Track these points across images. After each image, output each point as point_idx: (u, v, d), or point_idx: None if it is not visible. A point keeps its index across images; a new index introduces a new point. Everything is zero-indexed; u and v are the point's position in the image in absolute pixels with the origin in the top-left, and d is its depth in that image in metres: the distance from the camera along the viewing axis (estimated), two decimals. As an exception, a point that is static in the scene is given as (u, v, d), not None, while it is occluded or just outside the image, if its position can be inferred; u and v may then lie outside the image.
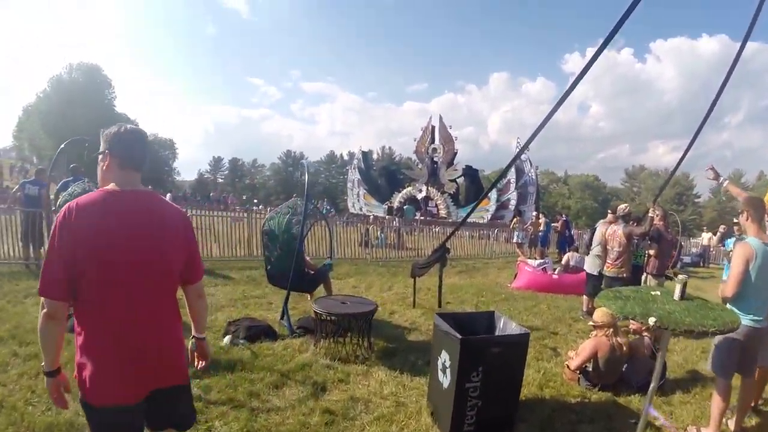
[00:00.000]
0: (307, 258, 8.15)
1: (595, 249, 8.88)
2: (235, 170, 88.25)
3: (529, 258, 16.94)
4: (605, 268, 8.30)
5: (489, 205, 39.75)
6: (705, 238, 22.79)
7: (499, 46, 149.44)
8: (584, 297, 9.24)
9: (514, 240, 16.71)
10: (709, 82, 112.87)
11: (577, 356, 5.49)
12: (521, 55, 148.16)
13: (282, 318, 6.93)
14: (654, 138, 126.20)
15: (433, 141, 43.07)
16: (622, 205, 8.55)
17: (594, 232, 9.22)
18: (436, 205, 41.00)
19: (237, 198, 61.08)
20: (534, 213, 17.70)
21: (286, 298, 6.96)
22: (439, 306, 8.70)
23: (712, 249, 22.43)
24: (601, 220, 9.32)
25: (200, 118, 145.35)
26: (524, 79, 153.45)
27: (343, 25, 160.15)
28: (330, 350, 5.79)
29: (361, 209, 43.53)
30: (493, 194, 39.87)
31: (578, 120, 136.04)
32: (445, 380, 4.04)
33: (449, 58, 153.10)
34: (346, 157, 79.38)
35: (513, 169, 39.73)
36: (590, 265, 9.03)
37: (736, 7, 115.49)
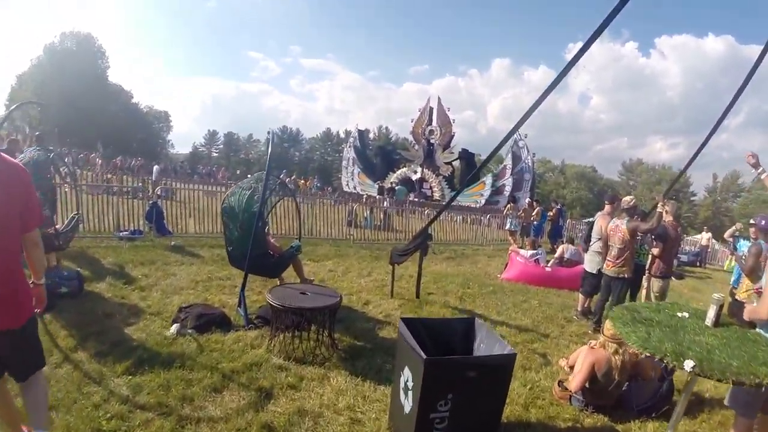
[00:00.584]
0: (272, 239, 7.27)
1: (595, 244, 8.06)
2: (230, 144, 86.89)
3: (521, 247, 16.21)
4: (605, 266, 7.48)
5: (484, 190, 39.06)
6: (704, 237, 22.07)
7: (503, 33, 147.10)
8: (580, 295, 8.45)
9: (507, 227, 15.89)
10: (713, 82, 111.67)
11: (575, 375, 4.68)
12: (525, 42, 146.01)
13: (239, 306, 6.11)
14: (653, 133, 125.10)
15: (430, 122, 42.23)
16: (628, 198, 7.68)
17: (592, 226, 8.33)
18: (431, 187, 40.19)
19: (230, 172, 59.94)
20: (528, 200, 16.84)
21: (243, 284, 6.16)
22: (417, 297, 7.90)
23: (709, 249, 21.79)
24: (599, 213, 8.47)
25: (198, 91, 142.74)
26: (526, 67, 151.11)
27: (345, 2, 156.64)
28: (286, 347, 4.97)
29: (355, 188, 42.66)
30: (489, 179, 39.54)
31: (579, 111, 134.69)
32: (407, 404, 3.21)
33: (452, 41, 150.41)
34: (342, 136, 78.08)
35: (510, 155, 39.49)
36: (588, 261, 8.22)
37: (743, 8, 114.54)
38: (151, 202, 11.60)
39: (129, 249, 9.72)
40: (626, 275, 7.28)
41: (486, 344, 3.66)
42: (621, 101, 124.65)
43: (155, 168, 27.04)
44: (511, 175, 39.23)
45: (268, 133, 7.00)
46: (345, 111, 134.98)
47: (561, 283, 10.66)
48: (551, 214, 17.36)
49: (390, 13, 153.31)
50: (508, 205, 16.30)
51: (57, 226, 7.28)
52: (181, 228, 12.01)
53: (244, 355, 4.90)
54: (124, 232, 10.86)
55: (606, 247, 7.49)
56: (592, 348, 4.90)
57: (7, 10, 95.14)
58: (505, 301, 8.62)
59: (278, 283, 7.22)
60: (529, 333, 6.83)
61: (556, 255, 11.84)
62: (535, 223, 16.46)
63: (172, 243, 10.53)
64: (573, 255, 11.85)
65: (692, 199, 69.31)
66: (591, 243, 8.24)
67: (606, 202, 8.33)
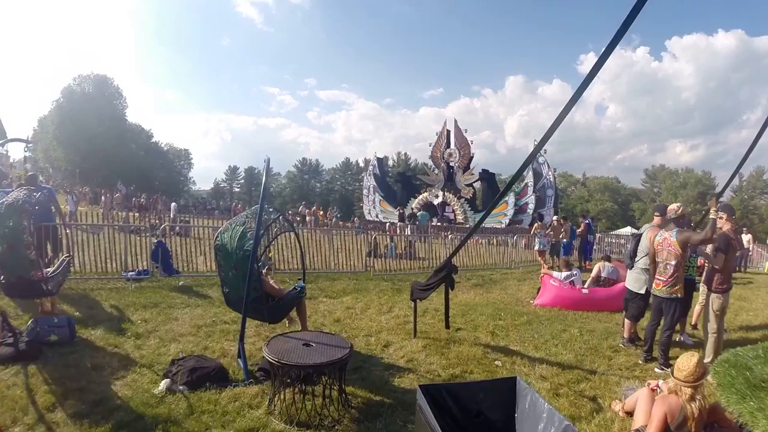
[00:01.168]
0: (271, 280, 6.44)
1: (641, 261, 7.10)
2: (251, 179, 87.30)
3: (552, 267, 15.18)
4: (654, 285, 6.52)
5: (506, 209, 38.32)
6: (744, 240, 20.71)
7: (514, 50, 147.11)
8: (625, 321, 7.46)
9: (536, 248, 14.90)
10: (726, 79, 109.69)
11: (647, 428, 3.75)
12: (536, 57, 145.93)
13: (239, 356, 5.30)
14: (672, 137, 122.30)
15: (448, 145, 41.93)
16: (674, 206, 6.75)
17: (639, 240, 7.35)
18: (453, 211, 39.60)
19: (250, 206, 59.91)
20: (555, 217, 15.83)
21: (241, 332, 5.36)
22: (447, 327, 7.03)
23: (751, 252, 20.44)
24: (647, 225, 7.51)
25: (218, 128, 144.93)
26: (540, 81, 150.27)
27: (357, 32, 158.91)
28: (289, 408, 4.13)
29: (377, 216, 42.45)
30: (511, 198, 38.52)
31: (596, 121, 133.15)
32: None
33: (464, 62, 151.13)
34: (361, 164, 77.85)
35: (531, 173, 38.72)
36: (634, 281, 7.25)
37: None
38: (156, 240, 10.96)
39: (134, 291, 9.12)
40: (679, 295, 6.32)
41: (531, 415, 2.74)
42: (637, 108, 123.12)
43: (173, 205, 26.74)
44: (533, 192, 38.45)
45: (265, 161, 5.96)
46: (363, 140, 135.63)
47: (600, 305, 9.75)
48: (580, 229, 16.34)
49: (401, 39, 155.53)
50: (536, 224, 15.32)
51: (48, 270, 6.66)
52: (192, 266, 11.35)
53: (239, 419, 4.11)
54: (131, 273, 10.22)
55: (654, 263, 6.56)
56: (653, 389, 4.01)
57: (30, 53, 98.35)
58: (542, 332, 7.66)
59: (287, 324, 6.46)
60: (573, 371, 5.87)
61: (593, 274, 10.84)
62: (564, 241, 15.45)
63: (180, 283, 9.89)
64: (611, 273, 10.85)
65: (720, 200, 66.51)
66: (637, 259, 7.26)
67: (655, 213, 7.35)
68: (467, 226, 36.49)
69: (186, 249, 11.94)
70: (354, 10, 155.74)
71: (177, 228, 18.53)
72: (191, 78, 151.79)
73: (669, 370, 5.04)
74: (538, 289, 10.64)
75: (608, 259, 11.34)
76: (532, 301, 10.24)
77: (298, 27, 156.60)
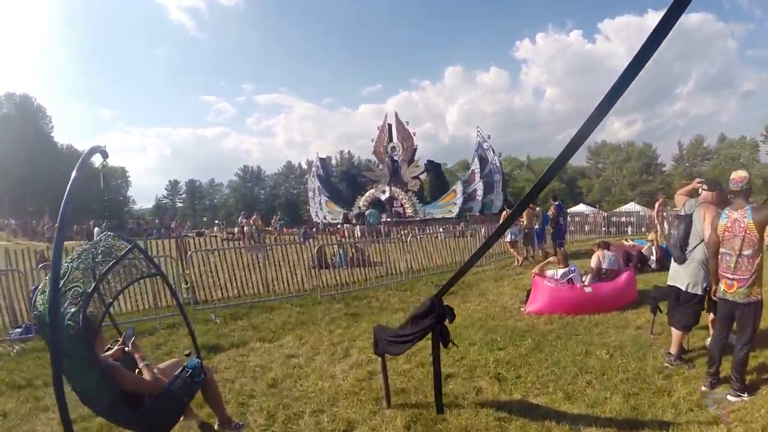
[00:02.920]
0: (141, 363, 3.64)
1: (697, 250, 4.88)
2: (193, 192, 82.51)
3: (526, 258, 13.01)
4: (722, 285, 4.35)
5: (456, 198, 36.69)
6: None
7: (450, 42, 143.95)
8: (674, 332, 5.27)
9: (507, 239, 12.67)
10: (659, 55, 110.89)
11: None
12: (473, 47, 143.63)
13: None
14: (609, 114, 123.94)
15: (391, 139, 39.84)
16: (740, 174, 4.52)
17: (688, 223, 5.09)
18: (402, 205, 37.46)
19: (190, 221, 55.84)
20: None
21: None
22: (440, 412, 4.22)
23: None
24: (693, 200, 5.28)
25: (155, 143, 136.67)
26: (478, 71, 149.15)
27: (292, 33, 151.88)
28: None
29: (324, 218, 39.94)
30: (459, 186, 37.15)
31: (534, 104, 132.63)
32: None
33: (400, 57, 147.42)
34: (305, 167, 74.45)
35: (476, 159, 37.45)
36: (689, 277, 5.02)
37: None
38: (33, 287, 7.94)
39: (15, 357, 6.51)
40: (760, 297, 4.20)
41: None
42: (574, 89, 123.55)
43: (96, 230, 22.88)
44: (480, 178, 36.89)
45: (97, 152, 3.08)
46: (305, 142, 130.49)
47: (607, 304, 7.77)
48: (550, 213, 14.26)
49: (337, 38, 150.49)
50: (504, 212, 13.05)
51: None
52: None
53: None
54: (17, 330, 7.36)
55: (716, 256, 4.37)
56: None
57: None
58: (561, 362, 5.34)
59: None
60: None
61: (593, 266, 8.67)
62: (537, 227, 13.29)
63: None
64: (612, 263, 8.74)
65: (663, 170, 67.60)
66: (689, 249, 5.02)
67: (706, 188, 5.15)
68: (417, 219, 34.75)
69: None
70: (288, 11, 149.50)
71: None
72: (125, 93, 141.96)
73: (747, 396, 4.20)
74: (528, 292, 8.39)
75: (607, 246, 9.18)
76: (522, 309, 7.98)
77: (232, 31, 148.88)
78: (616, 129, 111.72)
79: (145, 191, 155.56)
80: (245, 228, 26.46)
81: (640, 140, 72.94)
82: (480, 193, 36.58)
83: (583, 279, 8.37)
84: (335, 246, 12.78)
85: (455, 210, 35.63)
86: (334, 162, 65.35)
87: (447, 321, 3.54)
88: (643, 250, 11.87)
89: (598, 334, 6.58)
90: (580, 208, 38.51)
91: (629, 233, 21.58)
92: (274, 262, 10.08)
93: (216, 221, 49.28)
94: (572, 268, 8.30)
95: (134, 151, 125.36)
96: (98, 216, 47.59)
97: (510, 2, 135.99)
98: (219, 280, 9.33)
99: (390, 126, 39.95)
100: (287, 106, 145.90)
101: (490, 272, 11.70)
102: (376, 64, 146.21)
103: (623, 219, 25.20)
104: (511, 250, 12.82)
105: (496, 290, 9.67)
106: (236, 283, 9.41)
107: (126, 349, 3.50)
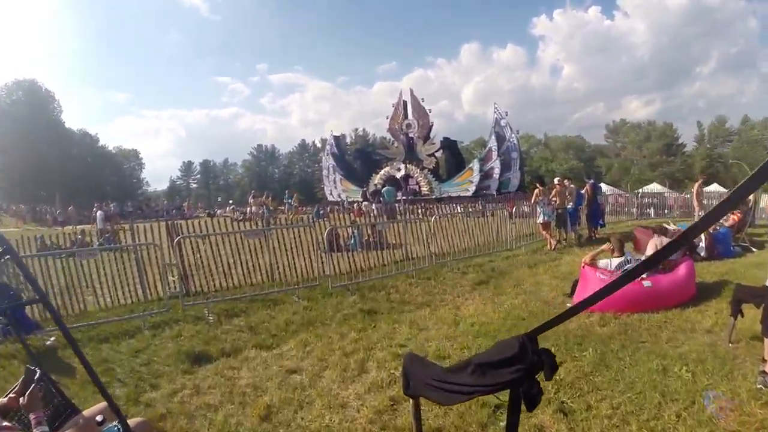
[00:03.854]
0: (38, 429, 2.31)
1: None
2: (207, 173, 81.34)
3: (560, 241, 11.59)
4: None
5: (472, 176, 35.70)
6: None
7: (466, 18, 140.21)
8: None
9: (539, 219, 11.25)
10: (679, 34, 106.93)
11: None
12: (489, 24, 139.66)
13: None
14: (627, 93, 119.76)
15: (406, 116, 38.53)
16: None
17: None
18: (417, 183, 36.29)
19: (202, 202, 54.82)
20: (556, 180, 12.16)
21: None
22: None
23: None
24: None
25: (170, 126, 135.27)
26: (495, 47, 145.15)
27: (304, 12, 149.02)
28: None
29: (339, 196, 38.90)
30: (476, 164, 36.19)
31: (551, 83, 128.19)
32: None
33: (415, 34, 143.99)
34: (319, 145, 72.79)
35: (494, 137, 36.31)
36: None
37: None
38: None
39: None
40: None
41: None
42: (592, 67, 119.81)
43: (98, 214, 21.59)
44: (498, 156, 35.51)
45: None
46: (320, 121, 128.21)
47: (666, 300, 6.46)
48: (585, 191, 12.79)
49: (350, 15, 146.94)
50: (537, 190, 11.54)
51: None
52: (73, 308, 7.24)
53: None
54: None
55: None
56: None
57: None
58: (634, 383, 4.13)
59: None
60: None
61: (647, 252, 7.27)
62: (570, 207, 11.83)
63: (49, 342, 5.92)
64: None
65: (684, 151, 64.76)
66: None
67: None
68: (433, 197, 33.53)
69: (68, 280, 7.40)
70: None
71: (101, 241, 14.45)
72: (139, 77, 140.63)
73: None
74: (574, 284, 7.04)
75: (665, 231, 7.77)
76: (569, 305, 6.62)
77: (244, 11, 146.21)
78: (634, 108, 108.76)
79: (160, 173, 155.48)
80: (253, 208, 25.13)
81: (659, 120, 70.10)
82: (497, 171, 35.30)
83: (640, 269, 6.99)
84: (349, 228, 11.38)
85: (471, 188, 34.65)
86: (348, 140, 63.83)
87: (546, 375, 1.96)
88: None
89: (666, 341, 5.31)
90: (604, 188, 36.64)
91: (651, 215, 19.87)
92: (280, 246, 8.72)
93: (230, 201, 48.22)
94: (628, 257, 6.91)
95: (149, 133, 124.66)
96: (114, 198, 47.02)
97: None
98: (217, 268, 8.03)
99: (405, 103, 38.66)
100: (301, 85, 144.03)
101: (522, 257, 10.29)
102: (391, 41, 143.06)
103: (646, 200, 23.51)
104: (544, 232, 11.38)
105: (533, 279, 8.29)
106: (235, 273, 8.13)
107: (21, 400, 2.20)
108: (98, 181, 56.95)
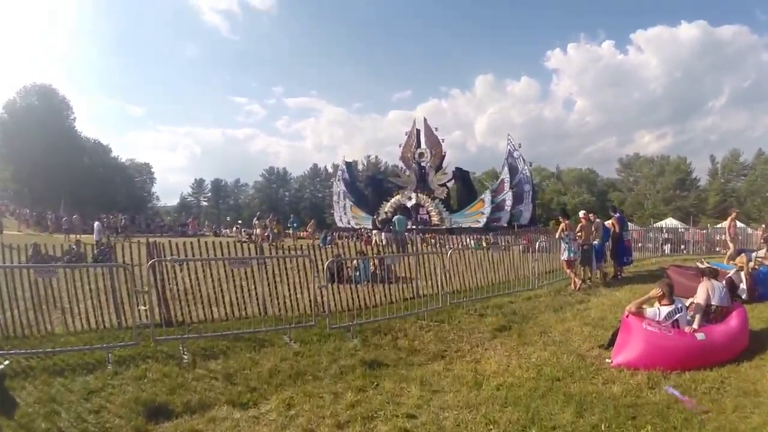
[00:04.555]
0: None
1: None
2: (218, 191, 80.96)
3: (584, 281, 10.44)
4: None
5: (483, 208, 34.61)
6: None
7: (481, 49, 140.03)
8: None
9: (563, 257, 10.11)
10: (691, 68, 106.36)
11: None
12: (504, 56, 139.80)
13: None
14: (640, 128, 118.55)
15: (419, 145, 37.76)
16: None
17: None
18: (428, 212, 35.31)
19: (211, 220, 54.11)
20: (582, 213, 11.04)
21: None
22: None
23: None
24: None
25: (186, 142, 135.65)
26: (509, 80, 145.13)
27: (323, 38, 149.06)
28: None
29: (348, 222, 38.22)
30: (487, 195, 35.07)
31: (564, 116, 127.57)
32: None
33: (431, 64, 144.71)
34: (330, 170, 72.25)
35: (506, 168, 35.39)
36: None
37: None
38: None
39: None
40: None
41: None
42: (605, 101, 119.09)
43: (96, 225, 20.75)
44: (510, 188, 34.57)
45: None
46: (333, 146, 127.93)
47: (720, 354, 5.51)
48: (610, 225, 11.66)
49: (368, 43, 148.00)
50: (562, 224, 10.39)
51: None
52: (38, 329, 6.21)
53: None
54: None
55: None
56: None
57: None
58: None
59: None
60: None
61: (699, 301, 6.11)
62: (596, 243, 10.69)
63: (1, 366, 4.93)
64: (723, 299, 6.22)
65: (698, 186, 63.12)
66: None
67: None
68: (443, 227, 32.59)
69: (41, 296, 6.42)
70: (321, 15, 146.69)
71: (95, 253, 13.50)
72: (157, 91, 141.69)
73: None
74: (613, 335, 5.91)
75: (715, 274, 6.65)
76: (608, 361, 5.50)
77: (264, 34, 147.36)
78: (646, 142, 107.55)
79: (172, 189, 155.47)
80: (258, 230, 24.06)
81: (671, 154, 68.81)
82: (509, 203, 34.24)
83: (688, 318, 5.87)
84: (356, 260, 10.21)
85: (483, 220, 33.49)
86: (360, 167, 63.26)
87: None
88: (730, 276, 9.11)
89: (733, 410, 4.25)
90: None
91: (667, 251, 18.55)
92: (274, 276, 7.58)
93: (239, 221, 47.44)
94: (679, 305, 5.78)
95: (164, 149, 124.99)
96: (122, 210, 46.48)
97: (542, 11, 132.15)
98: (201, 297, 6.94)
99: (418, 132, 38.01)
100: (317, 110, 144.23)
101: (545, 298, 9.10)
102: (407, 70, 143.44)
103: (664, 236, 22.23)
104: (568, 270, 10.22)
105: (561, 326, 7.12)
106: (222, 303, 7.04)
107: None
108: (108, 192, 56.63)
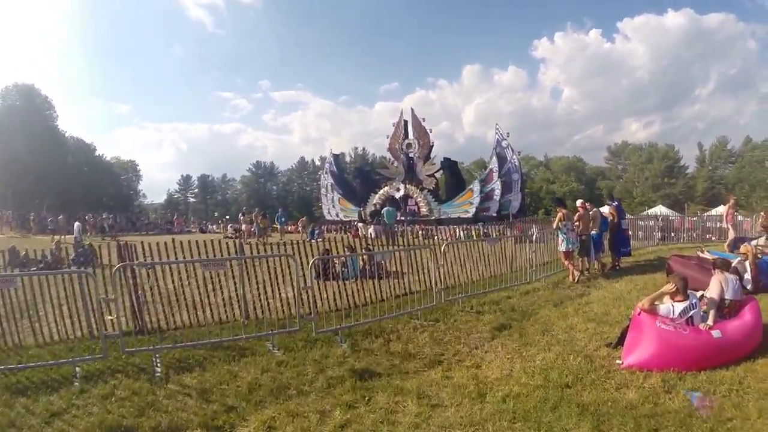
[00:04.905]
0: None
1: None
2: (205, 187, 79.79)
3: (582, 272, 10.03)
4: None
5: (472, 197, 34.39)
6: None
7: (468, 40, 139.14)
8: None
9: (561, 247, 9.69)
10: (678, 56, 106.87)
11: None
12: (490, 46, 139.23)
13: None
14: (627, 115, 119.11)
15: (406, 136, 37.25)
16: None
17: None
18: (416, 203, 34.89)
19: (199, 216, 53.30)
20: (579, 202, 10.60)
21: None
22: None
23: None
24: None
25: (172, 139, 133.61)
26: (496, 69, 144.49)
27: (309, 31, 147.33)
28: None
29: (337, 215, 37.67)
30: (476, 185, 34.99)
31: (552, 105, 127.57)
32: None
33: (417, 55, 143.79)
34: (318, 163, 71.41)
35: (495, 158, 35.10)
36: None
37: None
38: None
39: None
40: None
41: None
42: (592, 89, 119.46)
43: (76, 225, 20.03)
44: (498, 177, 34.36)
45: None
46: (320, 139, 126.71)
47: (735, 352, 5.12)
48: (608, 214, 11.26)
49: (353, 34, 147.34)
50: (560, 213, 9.93)
51: None
52: (12, 341, 5.66)
53: None
54: None
55: None
56: None
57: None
58: None
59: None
60: None
61: (714, 297, 5.67)
62: (594, 233, 10.27)
63: None
64: (736, 292, 5.80)
65: (686, 173, 63.28)
66: None
67: None
68: (432, 218, 32.40)
69: (11, 304, 5.83)
70: (306, 8, 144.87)
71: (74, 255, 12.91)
72: (142, 88, 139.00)
73: None
74: (622, 333, 5.46)
75: (727, 266, 6.23)
76: (618, 361, 5.06)
77: (250, 28, 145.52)
78: (633, 130, 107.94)
79: (159, 186, 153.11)
80: (243, 226, 23.41)
81: (659, 142, 68.92)
82: (498, 192, 33.99)
83: (702, 314, 5.45)
84: (343, 257, 9.66)
85: (471, 210, 33.27)
86: (347, 159, 62.56)
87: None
88: (734, 266, 8.70)
89: (758, 415, 3.85)
90: (605, 210, 35.19)
91: (658, 238, 18.09)
92: (256, 278, 7.06)
93: (227, 216, 46.64)
94: (693, 301, 5.34)
95: (150, 146, 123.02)
96: (108, 209, 45.62)
97: (528, 0, 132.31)
98: (177, 302, 6.41)
99: (406, 123, 37.51)
100: (304, 103, 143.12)
101: (543, 292, 8.66)
102: (394, 62, 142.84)
103: (651, 223, 21.79)
104: (566, 262, 9.79)
105: (563, 323, 6.66)
106: (200, 307, 6.50)
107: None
108: (93, 191, 55.56)
